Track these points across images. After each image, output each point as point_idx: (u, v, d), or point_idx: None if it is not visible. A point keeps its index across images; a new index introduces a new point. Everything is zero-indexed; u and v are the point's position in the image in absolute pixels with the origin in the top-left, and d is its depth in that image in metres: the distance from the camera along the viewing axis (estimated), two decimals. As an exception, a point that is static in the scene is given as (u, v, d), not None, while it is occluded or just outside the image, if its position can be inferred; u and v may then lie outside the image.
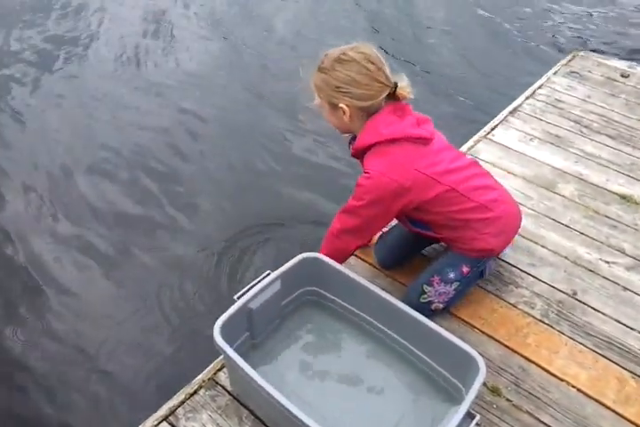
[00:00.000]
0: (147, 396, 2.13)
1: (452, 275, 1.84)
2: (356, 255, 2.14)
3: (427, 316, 1.83)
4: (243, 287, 1.63)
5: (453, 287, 1.85)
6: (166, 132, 3.57)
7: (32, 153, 3.39)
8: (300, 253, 1.74)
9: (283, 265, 1.70)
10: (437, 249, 2.12)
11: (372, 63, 1.57)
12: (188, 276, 2.68)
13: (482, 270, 1.95)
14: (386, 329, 1.75)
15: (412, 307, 1.78)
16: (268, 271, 1.69)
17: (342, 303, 1.82)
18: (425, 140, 1.65)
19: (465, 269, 1.85)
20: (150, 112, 3.77)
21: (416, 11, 5.07)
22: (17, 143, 3.51)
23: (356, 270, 2.06)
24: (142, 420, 1.64)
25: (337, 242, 1.79)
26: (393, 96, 1.63)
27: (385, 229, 2.11)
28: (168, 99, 3.88)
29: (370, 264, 2.13)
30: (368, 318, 1.78)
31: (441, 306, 1.88)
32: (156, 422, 1.64)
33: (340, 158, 3.32)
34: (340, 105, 1.61)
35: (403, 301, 1.85)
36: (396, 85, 1.61)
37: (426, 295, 1.85)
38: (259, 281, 1.65)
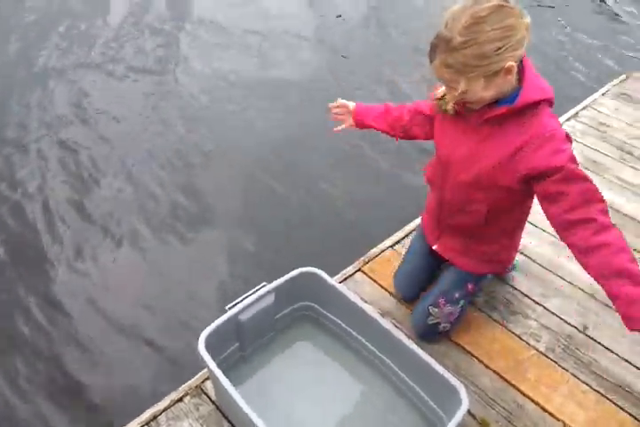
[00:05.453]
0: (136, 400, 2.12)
1: (457, 295, 1.81)
2: (364, 273, 2.11)
3: (434, 338, 1.86)
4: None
5: (460, 305, 1.82)
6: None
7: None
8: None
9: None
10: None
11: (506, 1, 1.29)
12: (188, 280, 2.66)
13: None
14: (377, 352, 1.72)
15: (419, 329, 1.84)
16: (263, 283, 1.69)
17: (336, 321, 1.80)
18: None
19: (470, 287, 1.83)
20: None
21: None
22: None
23: (362, 287, 2.04)
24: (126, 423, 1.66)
25: None
26: None
27: (404, 263, 2.04)
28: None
29: (377, 284, 2.08)
30: (360, 338, 1.75)
31: (448, 326, 1.84)
32: (137, 428, 1.64)
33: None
34: (509, 63, 1.30)
35: (411, 323, 1.88)
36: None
37: (432, 317, 1.82)
38: (253, 292, 1.66)
